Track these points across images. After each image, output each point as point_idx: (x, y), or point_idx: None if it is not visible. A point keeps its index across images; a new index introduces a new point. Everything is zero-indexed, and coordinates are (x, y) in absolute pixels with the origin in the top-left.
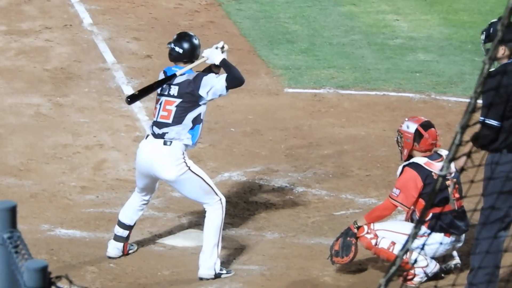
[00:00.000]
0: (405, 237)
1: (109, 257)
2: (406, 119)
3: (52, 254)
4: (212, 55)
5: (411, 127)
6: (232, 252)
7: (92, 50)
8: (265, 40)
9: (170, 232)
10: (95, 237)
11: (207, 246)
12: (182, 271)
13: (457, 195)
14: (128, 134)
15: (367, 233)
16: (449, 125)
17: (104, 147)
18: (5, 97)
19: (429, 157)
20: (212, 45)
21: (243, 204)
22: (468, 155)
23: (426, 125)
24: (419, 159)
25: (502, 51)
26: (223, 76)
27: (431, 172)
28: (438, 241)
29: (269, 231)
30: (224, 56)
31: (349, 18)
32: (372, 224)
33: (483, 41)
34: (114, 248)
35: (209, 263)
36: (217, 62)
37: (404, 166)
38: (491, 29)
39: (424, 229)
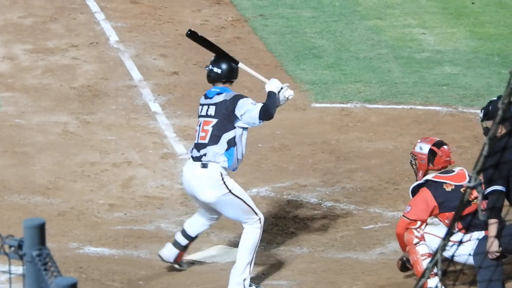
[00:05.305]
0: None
1: (160, 256)
2: (419, 140)
3: (81, 272)
4: (272, 82)
5: (424, 148)
6: (262, 268)
7: (118, 68)
8: (291, 55)
9: (199, 248)
10: (124, 255)
11: (241, 263)
12: (212, 287)
13: (484, 205)
14: (156, 151)
15: (416, 230)
16: (477, 138)
17: (132, 164)
18: (32, 115)
19: (439, 172)
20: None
21: (272, 220)
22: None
23: (439, 144)
24: (429, 176)
25: (499, 130)
26: (259, 105)
27: (443, 183)
28: (475, 238)
29: (298, 246)
30: (276, 91)
31: (375, 32)
32: (424, 224)
33: (481, 119)
34: (169, 251)
35: (239, 279)
36: (266, 89)
37: (416, 186)
38: (490, 107)
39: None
